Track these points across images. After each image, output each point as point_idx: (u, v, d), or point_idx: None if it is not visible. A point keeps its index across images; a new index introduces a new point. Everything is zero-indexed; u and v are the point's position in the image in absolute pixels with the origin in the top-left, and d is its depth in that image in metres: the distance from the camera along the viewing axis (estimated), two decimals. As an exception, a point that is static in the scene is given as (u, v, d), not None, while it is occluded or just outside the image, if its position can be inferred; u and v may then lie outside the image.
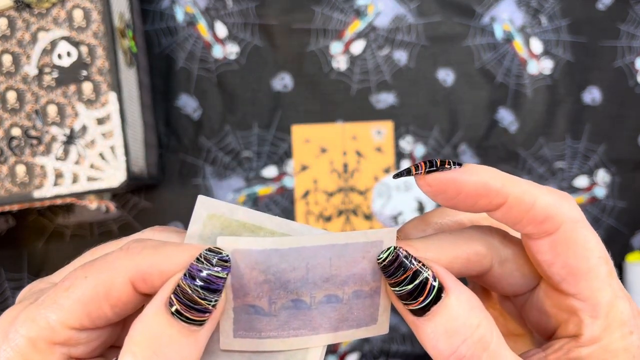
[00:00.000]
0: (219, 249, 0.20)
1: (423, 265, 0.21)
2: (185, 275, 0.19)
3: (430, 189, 0.21)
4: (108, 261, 0.20)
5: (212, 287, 0.19)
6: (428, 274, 0.20)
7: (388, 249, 0.21)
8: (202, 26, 0.61)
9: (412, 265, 0.20)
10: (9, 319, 0.20)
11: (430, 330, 0.20)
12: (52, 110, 0.53)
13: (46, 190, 0.52)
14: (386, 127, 0.61)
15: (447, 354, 0.20)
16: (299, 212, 0.61)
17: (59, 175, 0.52)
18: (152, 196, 0.61)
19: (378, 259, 0.21)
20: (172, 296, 0.19)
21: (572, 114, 0.60)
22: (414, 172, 0.21)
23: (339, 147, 0.61)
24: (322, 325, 0.22)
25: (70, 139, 0.52)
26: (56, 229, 0.61)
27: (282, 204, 0.61)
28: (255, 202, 0.61)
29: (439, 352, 0.20)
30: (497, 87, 0.61)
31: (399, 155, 0.61)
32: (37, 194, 0.52)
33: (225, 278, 0.20)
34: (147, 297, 0.21)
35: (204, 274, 0.19)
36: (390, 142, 0.61)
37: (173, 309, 0.19)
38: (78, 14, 0.52)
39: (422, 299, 0.20)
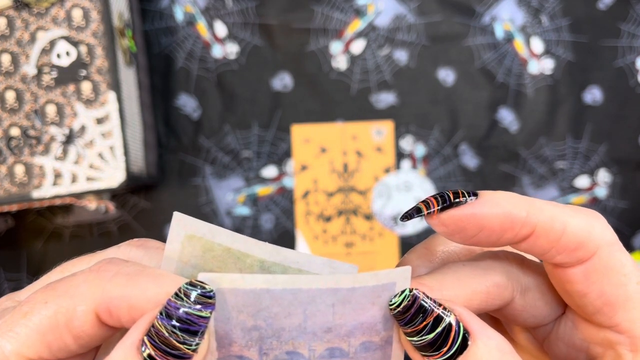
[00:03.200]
0: (202, 282, 0.17)
1: (444, 308, 0.18)
2: (161, 313, 0.17)
3: (446, 229, 0.19)
4: (72, 284, 0.18)
5: (193, 329, 0.16)
6: (451, 319, 0.18)
7: (402, 292, 0.18)
8: (201, 26, 0.61)
9: (432, 309, 0.18)
10: None
11: None
12: (51, 110, 0.52)
13: (45, 190, 0.52)
14: (386, 127, 0.61)
15: None
16: (299, 212, 0.60)
17: (57, 175, 0.52)
18: (152, 196, 0.61)
19: (391, 305, 0.18)
20: (145, 339, 0.16)
21: (573, 113, 0.60)
22: (424, 212, 0.19)
23: (339, 147, 0.61)
24: None
25: (69, 139, 0.52)
26: (55, 230, 0.60)
27: (282, 204, 0.60)
28: (254, 203, 0.60)
29: None
30: (498, 86, 0.60)
31: (399, 155, 0.60)
32: (36, 194, 0.52)
33: (209, 317, 0.17)
34: (114, 329, 0.18)
35: (183, 312, 0.16)
36: (390, 142, 0.61)
37: (145, 354, 0.16)
38: (77, 14, 0.52)
39: (445, 349, 0.17)
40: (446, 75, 0.61)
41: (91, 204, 0.57)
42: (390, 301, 0.18)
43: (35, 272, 0.61)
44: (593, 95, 0.60)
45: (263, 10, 0.61)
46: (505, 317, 0.21)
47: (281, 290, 0.17)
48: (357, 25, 0.61)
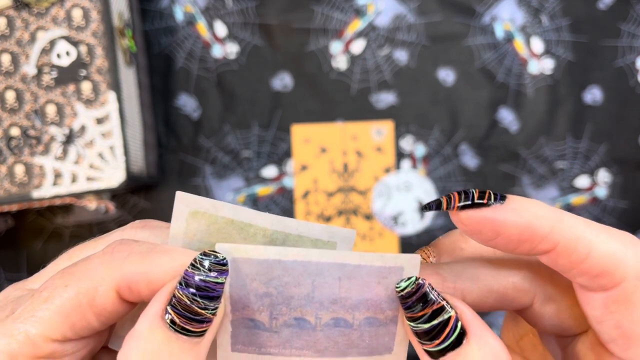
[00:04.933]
0: (215, 251, 0.18)
1: (447, 302, 0.18)
2: (180, 283, 0.18)
3: (464, 227, 0.19)
4: (90, 268, 0.19)
5: (211, 295, 0.18)
6: (451, 314, 0.18)
7: (409, 278, 0.19)
8: (201, 26, 0.61)
9: (434, 301, 0.18)
10: None
11: None
12: (51, 110, 0.52)
13: (45, 190, 0.52)
14: (386, 127, 0.61)
15: None
16: (299, 212, 0.60)
17: (57, 175, 0.52)
18: (152, 196, 0.61)
19: (397, 288, 0.19)
20: (168, 307, 0.18)
21: (573, 113, 0.60)
22: (444, 207, 0.19)
23: (339, 147, 0.61)
24: (328, 349, 0.20)
25: (69, 139, 0.52)
26: (55, 230, 0.60)
27: (282, 204, 0.60)
28: (255, 202, 0.60)
29: None
30: (498, 86, 0.60)
31: (400, 155, 0.60)
32: (36, 194, 0.52)
33: (224, 283, 0.18)
34: (133, 304, 0.20)
35: (200, 280, 0.18)
36: (390, 141, 0.60)
37: (169, 321, 0.17)
38: (77, 14, 0.52)
39: (438, 341, 0.18)
40: (446, 75, 0.61)
41: (91, 204, 0.57)
42: (397, 284, 0.19)
43: (35, 272, 0.61)
44: (593, 95, 0.60)
45: (263, 10, 0.61)
46: (525, 318, 0.21)
47: (292, 261, 0.19)
48: (357, 25, 0.61)
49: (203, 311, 0.18)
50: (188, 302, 0.17)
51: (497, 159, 0.60)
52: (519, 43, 0.60)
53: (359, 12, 0.61)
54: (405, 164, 0.60)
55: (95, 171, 0.52)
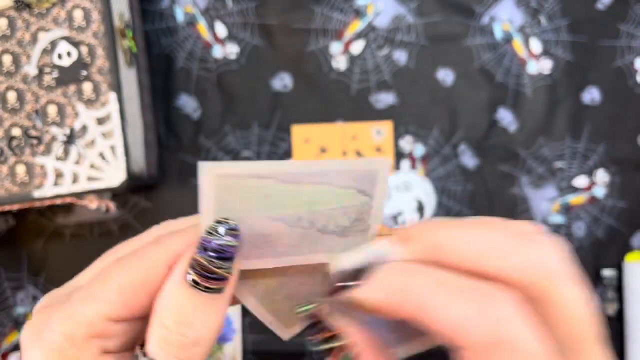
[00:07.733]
0: (227, 219, 0.21)
1: (337, 335, 0.20)
2: (198, 248, 0.20)
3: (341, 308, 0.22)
4: (143, 252, 0.21)
5: (226, 256, 0.20)
6: (343, 343, 0.20)
7: (309, 304, 0.21)
8: (202, 26, 0.61)
9: (329, 329, 0.20)
10: (40, 321, 0.20)
11: None
12: (52, 110, 0.53)
13: (46, 190, 0.52)
14: (386, 127, 0.61)
15: None
16: (299, 212, 0.61)
17: (59, 175, 0.52)
18: (152, 196, 0.61)
19: (296, 312, 0.21)
20: (190, 270, 0.20)
21: (572, 114, 0.60)
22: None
23: (339, 147, 0.61)
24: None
25: (70, 139, 0.53)
26: (56, 229, 0.61)
27: (282, 204, 0.61)
28: (255, 202, 0.60)
29: None
30: (497, 87, 0.61)
31: (399, 155, 0.61)
32: (37, 194, 0.52)
33: (237, 246, 0.20)
34: None
35: (216, 244, 0.20)
36: (390, 142, 0.61)
37: (192, 282, 0.20)
38: (78, 14, 0.52)
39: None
40: (446, 76, 0.61)
41: (92, 203, 0.57)
42: (297, 308, 0.22)
43: (36, 271, 0.61)
44: (592, 95, 0.61)
45: (263, 11, 0.61)
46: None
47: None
48: (357, 25, 0.61)
49: (219, 270, 0.20)
50: (206, 264, 0.20)
51: (496, 159, 0.61)
52: (518, 43, 0.61)
53: (359, 13, 0.61)
54: (405, 164, 0.61)
55: (96, 171, 0.52)
